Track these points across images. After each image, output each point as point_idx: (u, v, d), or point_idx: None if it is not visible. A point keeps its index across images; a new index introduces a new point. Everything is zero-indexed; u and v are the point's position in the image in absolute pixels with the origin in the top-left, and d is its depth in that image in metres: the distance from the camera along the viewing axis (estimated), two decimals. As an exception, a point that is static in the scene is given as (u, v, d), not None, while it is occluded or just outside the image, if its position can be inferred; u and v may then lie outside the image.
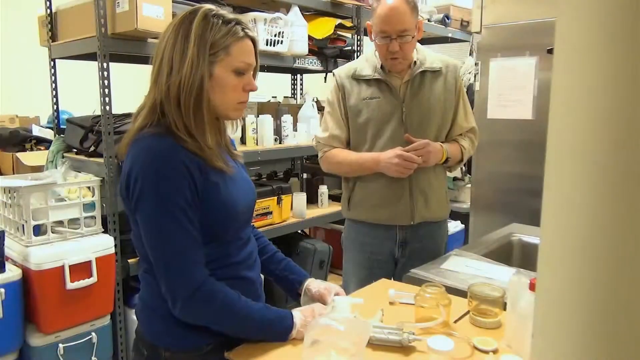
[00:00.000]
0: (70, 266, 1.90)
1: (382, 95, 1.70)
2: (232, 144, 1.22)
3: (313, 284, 1.27)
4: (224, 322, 1.06)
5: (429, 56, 1.75)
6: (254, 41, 1.08)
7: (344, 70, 1.78)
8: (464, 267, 1.51)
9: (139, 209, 1.02)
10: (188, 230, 1.01)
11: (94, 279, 1.97)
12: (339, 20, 2.92)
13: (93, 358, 2.04)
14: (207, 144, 1.04)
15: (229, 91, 1.05)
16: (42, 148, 2.98)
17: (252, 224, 1.27)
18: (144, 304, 1.14)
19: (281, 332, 1.09)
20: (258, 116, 2.66)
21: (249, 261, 1.16)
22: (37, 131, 3.13)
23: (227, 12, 1.05)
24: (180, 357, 1.07)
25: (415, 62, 1.71)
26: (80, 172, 2.22)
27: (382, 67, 1.71)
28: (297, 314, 1.12)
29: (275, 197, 2.59)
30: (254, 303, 1.08)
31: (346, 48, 3.00)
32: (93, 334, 2.03)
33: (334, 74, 1.81)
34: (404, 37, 1.61)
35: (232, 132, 1.20)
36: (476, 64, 2.48)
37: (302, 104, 3.03)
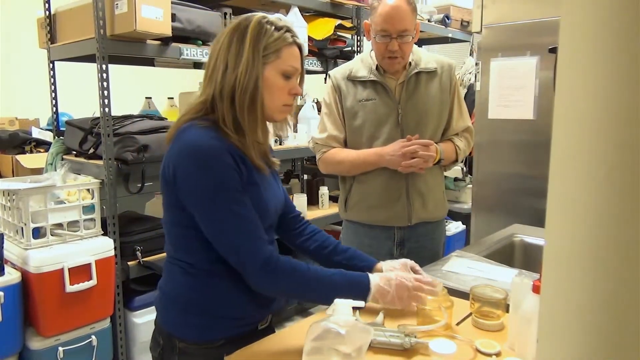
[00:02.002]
0: (69, 269, 1.89)
1: (378, 97, 1.69)
2: (270, 151, 1.25)
3: (386, 266, 1.27)
4: (296, 292, 1.11)
5: (424, 56, 1.74)
6: (300, 48, 1.14)
7: (339, 71, 1.77)
8: (465, 268, 1.50)
9: (189, 194, 1.05)
10: (246, 209, 1.05)
11: (93, 282, 1.96)
12: (338, 21, 2.91)
13: (93, 361, 2.03)
14: (257, 139, 1.10)
15: (277, 93, 1.11)
16: (41, 150, 2.97)
17: (305, 218, 1.36)
18: (164, 293, 1.16)
19: (356, 298, 1.07)
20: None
21: None
22: (36, 133, 3.12)
23: (277, 20, 1.12)
24: (193, 349, 1.10)
25: (410, 63, 1.70)
26: (79, 174, 2.22)
27: (377, 68, 1.70)
28: (376, 280, 1.13)
29: (276, 199, 2.58)
30: (324, 270, 1.12)
31: (346, 49, 2.99)
32: (93, 337, 2.03)
33: (329, 75, 1.79)
34: (404, 37, 1.60)
35: (285, 136, 1.24)
36: (477, 64, 2.47)
37: (302, 105, 3.02)
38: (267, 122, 1.17)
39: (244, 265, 1.06)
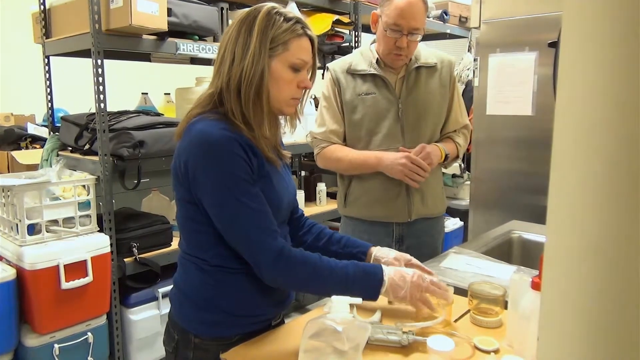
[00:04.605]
0: (65, 266, 1.88)
1: (378, 91, 1.68)
2: (281, 144, 1.24)
3: (381, 252, 1.27)
4: (310, 284, 1.09)
5: (423, 51, 1.73)
6: (312, 41, 1.11)
7: (338, 64, 1.75)
8: (463, 265, 1.50)
9: (201, 186, 1.03)
10: (257, 201, 1.04)
11: (89, 279, 1.95)
12: (336, 16, 2.89)
13: (89, 358, 2.03)
14: (264, 134, 1.08)
15: (284, 85, 1.09)
16: (37, 146, 2.96)
17: (303, 213, 1.35)
18: (178, 288, 1.16)
19: (369, 290, 1.09)
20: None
21: None
22: (32, 129, 3.11)
23: (288, 11, 1.10)
24: (209, 345, 1.10)
25: (410, 58, 1.69)
26: (75, 170, 2.20)
27: (377, 62, 1.69)
28: (390, 272, 1.11)
29: (273, 195, 2.56)
30: (336, 261, 1.10)
31: (344, 44, 2.98)
32: (89, 333, 2.02)
33: (328, 68, 1.78)
34: (414, 35, 1.60)
35: (291, 131, 1.23)
36: (475, 60, 2.46)
37: (300, 101, 3.00)
38: (278, 116, 1.16)
39: (256, 257, 1.04)
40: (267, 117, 1.08)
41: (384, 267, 1.12)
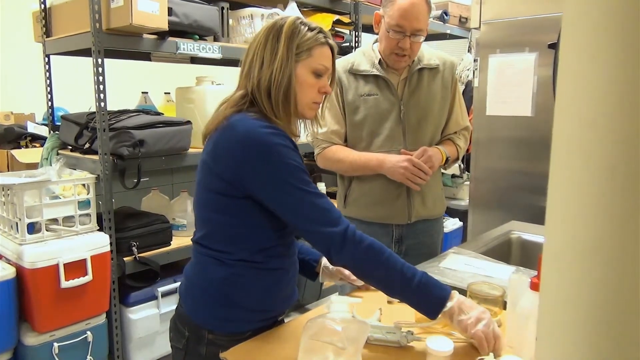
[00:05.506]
0: (64, 264, 1.88)
1: (380, 93, 1.67)
2: None
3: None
4: (376, 270, 1.08)
5: (426, 53, 1.73)
6: (332, 49, 1.19)
7: (340, 64, 1.74)
8: (462, 265, 1.50)
9: (256, 182, 1.06)
10: (313, 186, 1.08)
11: (89, 278, 1.95)
12: (336, 16, 2.89)
13: (88, 357, 2.03)
14: (293, 132, 1.16)
15: (307, 90, 1.15)
16: (37, 145, 2.95)
17: None
18: (192, 283, 1.17)
19: (431, 301, 1.06)
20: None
21: (295, 256, 1.24)
22: (32, 128, 3.10)
23: (311, 22, 1.18)
24: (223, 340, 1.11)
25: (413, 59, 1.69)
26: (75, 169, 2.20)
27: (379, 62, 1.68)
28: (461, 297, 1.07)
29: (273, 195, 2.56)
30: (406, 262, 1.09)
31: (344, 44, 2.98)
32: (88, 332, 2.02)
33: None
34: (417, 36, 1.59)
35: (307, 135, 1.25)
36: (475, 61, 2.46)
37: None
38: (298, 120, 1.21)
39: (325, 240, 1.06)
40: (294, 118, 1.16)
41: (455, 291, 1.09)
